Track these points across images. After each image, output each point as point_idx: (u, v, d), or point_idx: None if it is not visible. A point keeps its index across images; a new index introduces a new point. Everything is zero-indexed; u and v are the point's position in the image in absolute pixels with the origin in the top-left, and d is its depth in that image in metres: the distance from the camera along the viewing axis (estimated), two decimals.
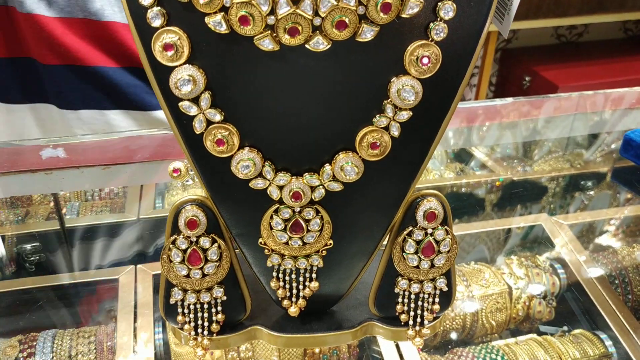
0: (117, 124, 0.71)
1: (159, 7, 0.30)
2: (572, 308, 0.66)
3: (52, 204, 0.74)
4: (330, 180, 0.35)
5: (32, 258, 0.69)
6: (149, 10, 0.30)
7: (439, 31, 0.31)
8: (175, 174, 0.37)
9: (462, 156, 0.92)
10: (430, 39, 0.31)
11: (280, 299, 0.40)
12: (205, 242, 0.37)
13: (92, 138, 0.66)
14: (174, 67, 0.31)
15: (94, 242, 0.70)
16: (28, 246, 0.69)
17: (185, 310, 0.39)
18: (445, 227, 0.38)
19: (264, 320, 0.42)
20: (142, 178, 0.69)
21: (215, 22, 0.30)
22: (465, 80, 0.33)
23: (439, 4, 0.31)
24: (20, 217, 0.75)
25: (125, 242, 0.70)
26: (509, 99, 0.85)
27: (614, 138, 0.89)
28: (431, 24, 0.31)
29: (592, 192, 0.85)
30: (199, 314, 0.39)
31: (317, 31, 0.30)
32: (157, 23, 0.30)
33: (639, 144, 0.68)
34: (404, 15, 0.30)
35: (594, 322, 0.62)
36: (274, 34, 0.30)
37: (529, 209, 0.81)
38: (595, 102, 0.91)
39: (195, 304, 0.39)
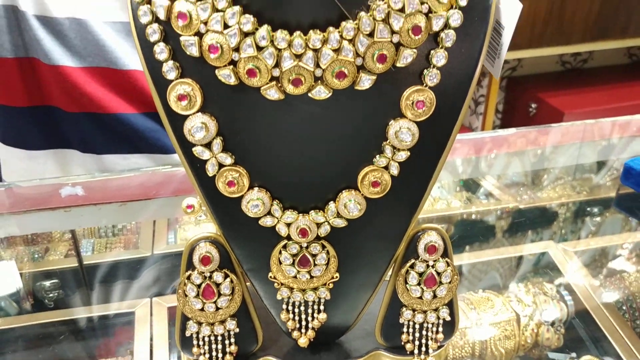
0: (138, 168, 0.74)
1: (173, 61, 0.33)
2: (580, 335, 0.67)
3: (68, 235, 0.76)
4: (334, 217, 0.37)
5: (51, 295, 0.71)
6: (165, 64, 0.33)
7: (432, 77, 0.33)
8: (188, 210, 0.40)
9: (470, 185, 0.94)
10: (424, 85, 0.34)
11: (290, 330, 0.42)
12: (218, 277, 0.39)
13: (110, 176, 0.69)
14: (187, 115, 0.34)
15: (110, 277, 0.72)
16: (47, 283, 0.72)
17: (200, 342, 0.41)
18: (446, 259, 0.40)
19: (275, 351, 0.44)
20: (158, 214, 0.72)
21: (225, 75, 0.32)
22: (459, 121, 0.35)
23: (432, 51, 0.33)
24: (40, 254, 0.78)
25: (141, 277, 0.72)
26: (512, 130, 0.87)
27: (619, 165, 0.91)
28: (425, 71, 0.33)
29: (598, 219, 0.86)
30: (214, 346, 0.41)
31: (319, 81, 0.33)
32: (171, 76, 0.33)
33: (638, 172, 0.70)
34: (399, 65, 0.33)
35: (602, 348, 0.63)
36: (279, 85, 0.33)
37: (536, 237, 0.83)
38: (601, 129, 0.93)
39: (209, 336, 0.41)
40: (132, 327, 0.62)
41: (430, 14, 0.32)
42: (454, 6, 0.32)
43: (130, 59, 0.69)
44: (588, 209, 0.88)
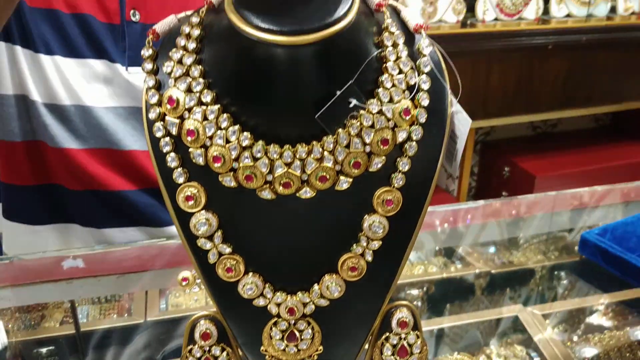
0: (134, 240, 0.79)
1: (182, 168, 0.39)
2: None
3: (66, 305, 0.80)
4: (318, 298, 0.42)
5: None
6: (175, 171, 0.39)
7: (398, 180, 0.40)
8: (184, 283, 0.45)
9: (446, 251, 1.00)
10: (392, 186, 0.40)
11: None
12: (216, 350, 0.44)
13: (109, 249, 0.74)
14: (193, 213, 0.40)
15: (105, 343, 0.75)
16: (44, 350, 0.75)
17: None
18: (416, 332, 0.46)
19: None
20: (152, 285, 0.76)
21: (227, 180, 0.39)
22: (422, 214, 0.42)
23: (398, 159, 0.40)
24: (36, 322, 0.81)
25: (135, 343, 0.75)
26: (481, 202, 0.94)
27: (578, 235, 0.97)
28: (392, 175, 0.40)
29: (565, 282, 0.92)
30: None
31: (305, 184, 0.39)
32: (180, 180, 0.39)
33: (593, 243, 0.77)
34: (371, 170, 0.39)
35: None
36: (272, 187, 0.39)
37: (507, 300, 0.88)
38: (566, 199, 1.01)
39: None
40: None
41: (395, 128, 0.39)
42: (415, 122, 0.40)
43: (129, 140, 0.76)
44: (555, 273, 0.94)
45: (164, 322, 0.79)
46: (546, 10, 2.00)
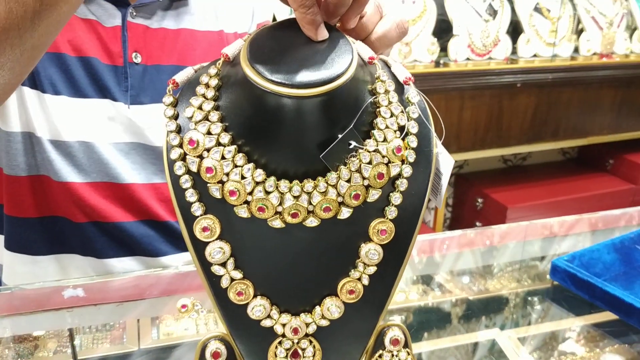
0: (131, 269, 0.83)
1: (199, 202, 0.44)
2: None
3: (60, 334, 0.82)
4: (320, 318, 0.47)
5: None
6: (193, 205, 0.44)
7: (392, 212, 0.45)
8: (182, 309, 0.49)
9: (425, 279, 1.05)
10: (386, 218, 0.45)
11: None
12: None
13: (108, 278, 0.77)
14: (208, 242, 0.44)
15: None
16: None
17: None
18: (407, 349, 0.50)
19: None
20: (151, 312, 0.79)
21: (241, 212, 0.43)
22: (412, 242, 0.47)
23: (390, 194, 0.45)
24: (30, 351, 0.83)
25: None
26: (458, 232, 1.00)
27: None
28: (386, 208, 0.45)
29: (539, 307, 0.98)
30: None
31: (311, 214, 0.44)
32: (198, 213, 0.44)
33: (563, 269, 0.83)
34: (368, 200, 0.45)
35: None
36: (282, 217, 0.44)
37: (484, 325, 0.93)
38: (539, 228, 1.07)
39: None
40: None
41: (389, 164, 0.45)
42: (405, 161, 0.45)
43: (129, 175, 0.80)
44: (529, 298, 1.00)
45: (157, 349, 0.82)
46: (514, 51, 2.11)
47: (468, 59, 2.00)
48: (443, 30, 1.97)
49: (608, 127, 2.26)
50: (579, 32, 2.23)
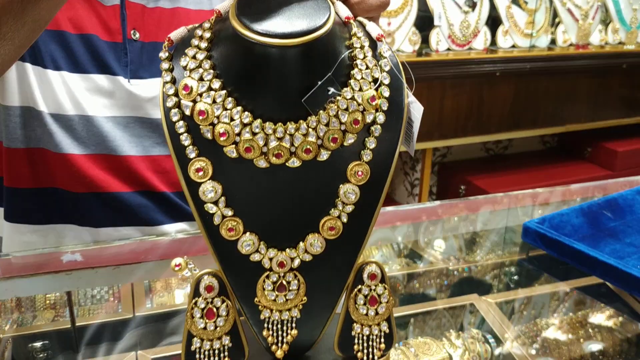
0: (128, 237, 0.87)
1: (193, 146, 0.48)
2: None
3: (58, 301, 0.85)
4: (303, 253, 0.52)
5: (42, 355, 0.80)
6: (187, 148, 0.48)
7: (367, 155, 0.50)
8: (176, 268, 0.53)
9: (407, 252, 1.10)
10: (362, 160, 0.50)
11: (270, 345, 0.55)
12: (217, 302, 0.52)
13: (104, 245, 0.81)
14: (201, 182, 0.49)
15: (97, 338, 0.81)
16: (38, 344, 0.81)
17: (202, 356, 0.53)
18: (384, 284, 0.55)
19: None
20: (147, 276, 0.83)
21: (230, 151, 0.48)
22: (387, 183, 0.52)
23: (366, 139, 0.50)
24: (27, 321, 0.86)
25: (126, 335, 0.81)
26: (437, 202, 1.05)
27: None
28: (362, 151, 0.50)
29: (516, 278, 1.03)
30: (212, 358, 0.54)
31: (293, 155, 0.49)
32: (192, 155, 0.48)
33: (534, 230, 0.88)
34: (345, 144, 0.49)
35: None
36: (266, 157, 0.49)
37: (463, 291, 0.98)
38: (516, 200, 1.12)
39: (209, 350, 0.53)
40: None
41: (364, 112, 0.50)
42: (378, 109, 0.50)
43: (127, 147, 0.84)
44: (506, 266, 1.05)
45: (153, 316, 0.86)
46: (493, 42, 2.18)
47: (449, 49, 2.06)
48: (424, 22, 2.03)
49: (585, 116, 2.34)
50: (555, 24, 2.30)
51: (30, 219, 0.85)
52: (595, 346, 0.80)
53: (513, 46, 2.18)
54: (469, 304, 0.91)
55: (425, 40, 2.03)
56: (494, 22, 2.17)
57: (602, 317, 0.86)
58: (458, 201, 1.10)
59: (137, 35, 0.84)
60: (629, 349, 0.80)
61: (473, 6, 2.10)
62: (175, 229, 0.91)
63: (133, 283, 0.85)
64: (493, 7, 2.15)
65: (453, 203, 1.11)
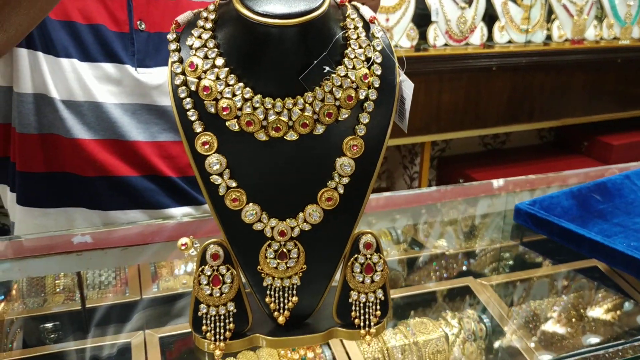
0: (135, 220, 0.90)
1: (199, 121, 0.52)
2: (497, 348, 0.83)
3: (67, 283, 0.89)
4: (303, 222, 0.55)
5: (53, 335, 0.83)
6: (194, 123, 0.52)
7: (361, 130, 0.54)
8: (183, 247, 0.56)
9: (404, 237, 1.13)
10: (356, 135, 0.54)
11: (272, 311, 0.59)
12: (222, 269, 0.56)
13: (113, 227, 0.85)
14: (207, 155, 0.53)
15: (106, 318, 0.84)
16: (49, 325, 0.84)
17: (208, 321, 0.57)
18: (378, 253, 0.58)
19: (261, 330, 0.60)
20: (155, 258, 0.87)
21: (232, 125, 0.52)
22: (380, 157, 0.55)
23: (359, 115, 0.54)
24: (40, 304, 0.90)
25: (134, 316, 0.84)
26: (433, 188, 1.08)
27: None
28: (356, 126, 0.54)
29: (510, 262, 1.06)
30: (218, 324, 0.57)
31: (291, 129, 0.52)
32: (198, 130, 0.52)
33: (525, 211, 0.92)
34: (340, 119, 0.53)
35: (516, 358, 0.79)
36: (266, 131, 0.52)
37: (459, 274, 1.01)
38: (514, 185, 1.16)
39: (214, 316, 0.57)
40: (130, 355, 0.74)
41: (357, 89, 0.53)
42: (371, 87, 0.54)
43: (134, 133, 0.88)
44: (501, 250, 1.08)
45: (159, 298, 0.89)
46: (490, 37, 2.21)
47: (446, 44, 2.09)
48: (422, 18, 2.06)
49: (581, 110, 2.37)
50: (551, 19, 2.33)
51: (42, 203, 0.89)
52: (587, 322, 0.83)
53: (509, 41, 2.22)
54: (465, 285, 0.94)
55: (423, 36, 2.07)
56: (490, 18, 2.21)
57: (592, 296, 0.89)
58: (454, 187, 1.13)
59: (143, 25, 0.88)
60: (620, 328, 0.82)
61: (470, 2, 2.13)
62: (180, 213, 0.95)
63: (140, 267, 0.88)
64: (489, 3, 2.18)
65: (450, 189, 1.14)
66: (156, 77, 0.89)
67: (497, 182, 1.15)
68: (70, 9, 0.84)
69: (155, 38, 0.89)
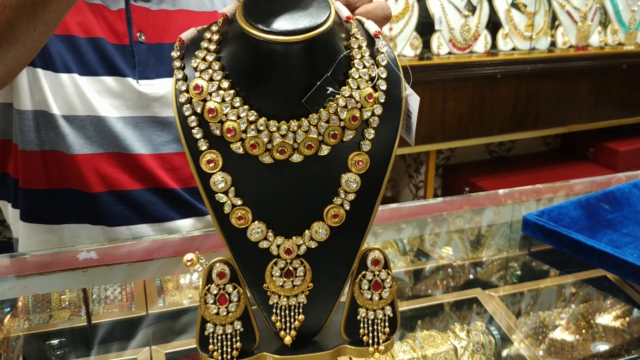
0: (140, 236, 0.90)
1: (204, 139, 0.52)
2: (506, 359, 0.82)
3: (72, 299, 0.88)
4: (309, 240, 0.55)
5: (59, 352, 0.83)
6: (198, 141, 0.52)
7: (366, 146, 0.53)
8: (188, 263, 0.56)
9: (411, 248, 1.13)
10: (361, 151, 0.53)
11: (278, 330, 0.58)
12: (229, 287, 0.55)
13: (118, 244, 0.85)
14: (212, 173, 0.52)
15: (112, 334, 0.84)
16: (55, 341, 0.83)
17: (215, 340, 0.56)
18: (387, 270, 0.58)
19: (268, 348, 0.59)
20: (160, 273, 0.86)
21: (236, 147, 0.51)
22: (387, 173, 0.55)
23: (365, 130, 0.53)
24: (45, 320, 0.90)
25: (140, 332, 0.84)
26: (439, 199, 1.07)
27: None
28: (361, 142, 0.53)
29: (519, 273, 1.05)
30: (225, 343, 0.56)
31: (296, 151, 0.52)
32: (203, 148, 0.52)
33: (533, 222, 0.91)
34: (344, 140, 0.53)
35: None
36: (271, 153, 0.52)
37: (467, 286, 1.00)
38: (520, 194, 1.15)
39: (221, 335, 0.56)
40: None
41: (362, 109, 0.53)
42: (376, 102, 0.53)
43: (137, 146, 0.88)
44: (509, 261, 1.07)
45: (165, 314, 0.89)
46: (494, 45, 2.21)
47: (450, 53, 2.09)
48: (425, 27, 2.06)
49: (587, 116, 2.36)
50: (555, 26, 2.33)
51: (45, 219, 0.88)
52: (596, 332, 0.82)
53: (513, 49, 2.21)
54: (473, 297, 0.93)
55: (426, 45, 2.07)
56: (494, 25, 2.21)
57: (602, 306, 0.89)
58: (460, 197, 1.13)
59: (143, 37, 0.88)
60: (630, 337, 0.82)
61: (473, 10, 2.13)
62: (184, 225, 0.94)
63: (146, 282, 0.88)
64: (493, 11, 2.18)
65: (456, 199, 1.14)
66: (158, 88, 0.89)
67: (503, 192, 1.14)
68: (70, 23, 0.84)
69: (155, 49, 0.89)
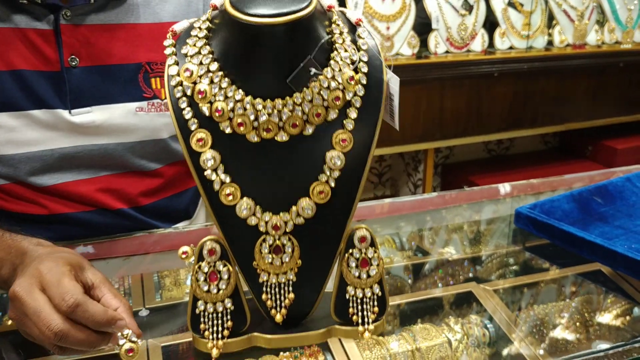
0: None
1: (194, 119, 0.53)
2: (500, 353, 0.83)
3: None
4: (296, 216, 0.56)
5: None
6: (189, 121, 0.53)
7: (349, 125, 0.55)
8: (184, 256, 0.57)
9: (407, 243, 1.13)
10: (345, 129, 0.55)
11: (269, 309, 0.59)
12: (219, 265, 0.57)
13: (115, 238, 0.86)
14: (202, 152, 0.54)
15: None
16: None
17: (206, 319, 0.58)
18: (373, 248, 0.59)
19: (259, 329, 0.61)
20: (156, 267, 0.87)
21: (225, 127, 0.53)
22: (371, 152, 0.56)
23: (347, 109, 0.55)
24: None
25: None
26: (434, 193, 1.08)
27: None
28: (344, 121, 0.55)
29: (514, 267, 1.06)
30: (215, 321, 0.58)
31: (281, 129, 0.54)
32: (193, 127, 0.53)
33: (525, 215, 0.92)
34: (328, 119, 0.54)
35: None
36: (257, 132, 0.53)
37: (462, 280, 1.00)
38: (519, 190, 1.16)
39: (212, 313, 0.58)
40: None
41: (344, 90, 0.54)
42: (358, 83, 0.55)
43: (75, 174, 0.85)
44: (504, 256, 1.08)
45: (161, 309, 0.89)
46: (491, 44, 2.22)
47: (447, 51, 2.10)
48: (423, 26, 2.08)
49: (584, 114, 2.37)
50: (552, 25, 2.34)
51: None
52: (591, 325, 0.83)
53: (510, 47, 2.23)
54: (467, 291, 0.94)
55: (424, 44, 2.08)
56: (491, 24, 2.22)
57: (596, 299, 0.89)
58: (457, 192, 1.13)
59: (76, 61, 0.80)
60: (624, 329, 0.82)
61: (470, 9, 2.15)
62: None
63: (142, 276, 0.89)
64: (490, 10, 2.19)
65: (453, 195, 1.14)
66: (95, 116, 0.82)
67: (503, 187, 1.15)
68: None
69: (94, 72, 0.81)
